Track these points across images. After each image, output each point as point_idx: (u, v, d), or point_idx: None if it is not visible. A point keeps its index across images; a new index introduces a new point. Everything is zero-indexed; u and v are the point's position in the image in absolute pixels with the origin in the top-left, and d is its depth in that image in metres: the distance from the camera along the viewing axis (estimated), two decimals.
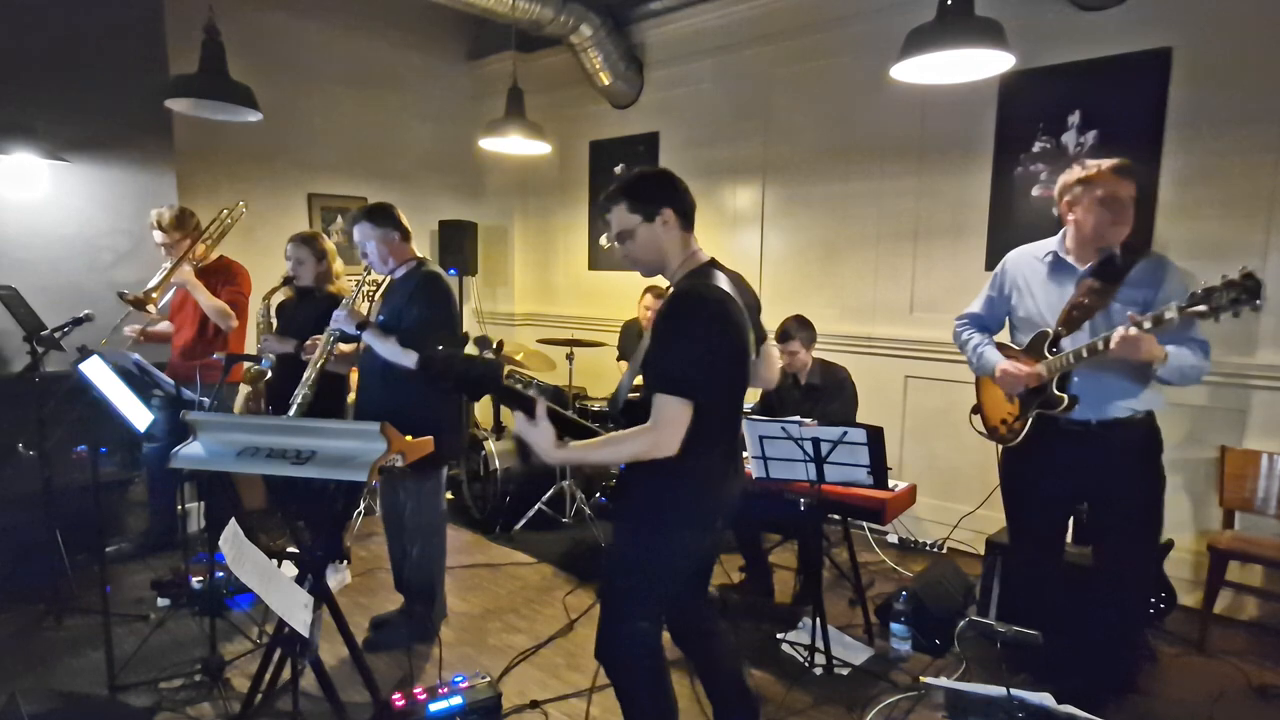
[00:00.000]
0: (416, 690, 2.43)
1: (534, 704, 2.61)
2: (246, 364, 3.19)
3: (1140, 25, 3.35)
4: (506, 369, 4.74)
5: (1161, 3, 3.30)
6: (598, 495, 4.65)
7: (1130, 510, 2.39)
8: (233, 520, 2.11)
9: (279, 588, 1.94)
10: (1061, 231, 2.46)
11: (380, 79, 5.50)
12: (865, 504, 2.99)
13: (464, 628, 3.17)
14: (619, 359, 4.94)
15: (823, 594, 2.94)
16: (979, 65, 2.53)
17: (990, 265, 3.80)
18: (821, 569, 3.17)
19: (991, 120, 3.83)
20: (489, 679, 2.55)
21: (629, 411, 1.82)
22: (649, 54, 5.22)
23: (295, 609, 1.90)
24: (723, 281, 1.81)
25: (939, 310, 4.00)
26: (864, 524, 4.06)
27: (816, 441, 2.73)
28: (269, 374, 3.13)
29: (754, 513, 3.07)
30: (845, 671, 2.81)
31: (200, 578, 3.13)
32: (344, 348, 2.99)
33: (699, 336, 1.71)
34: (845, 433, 2.69)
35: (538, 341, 5.00)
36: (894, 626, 2.99)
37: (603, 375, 5.14)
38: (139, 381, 3.09)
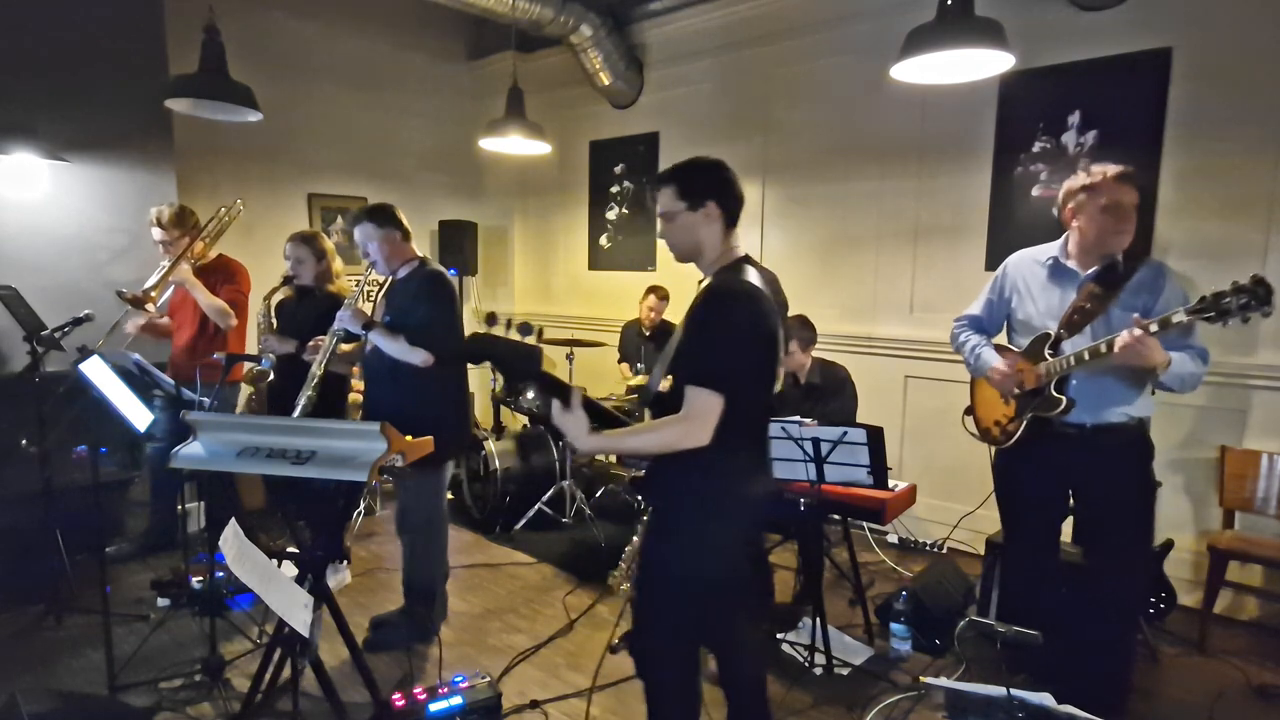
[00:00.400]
0: (416, 690, 2.43)
1: (534, 704, 2.61)
2: (248, 365, 3.19)
3: (1140, 25, 3.35)
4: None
5: (1161, 3, 3.31)
6: (600, 494, 4.65)
7: (1122, 514, 2.40)
8: (233, 520, 2.11)
9: (279, 588, 1.94)
10: (1064, 236, 2.45)
11: (380, 79, 5.50)
12: (865, 504, 2.98)
13: (464, 628, 3.17)
14: (620, 361, 4.94)
15: (823, 594, 2.94)
16: (979, 65, 2.53)
17: (990, 265, 3.80)
18: (821, 569, 3.17)
19: (991, 120, 3.83)
20: (489, 679, 2.55)
21: (659, 404, 1.84)
22: (649, 54, 5.22)
23: (295, 609, 1.90)
24: (755, 278, 1.83)
25: (939, 310, 4.00)
26: (864, 524, 4.06)
27: (816, 441, 2.73)
28: (271, 375, 3.13)
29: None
30: (845, 671, 2.81)
31: (200, 578, 3.13)
32: (343, 347, 3.00)
33: (732, 331, 1.73)
34: (845, 433, 2.69)
35: (537, 341, 5.00)
36: (894, 626, 2.99)
37: (603, 375, 5.14)
38: (139, 381, 3.09)
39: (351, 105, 5.35)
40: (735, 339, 1.73)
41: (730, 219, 1.90)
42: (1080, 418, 2.34)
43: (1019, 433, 2.47)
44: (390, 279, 2.91)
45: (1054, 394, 2.34)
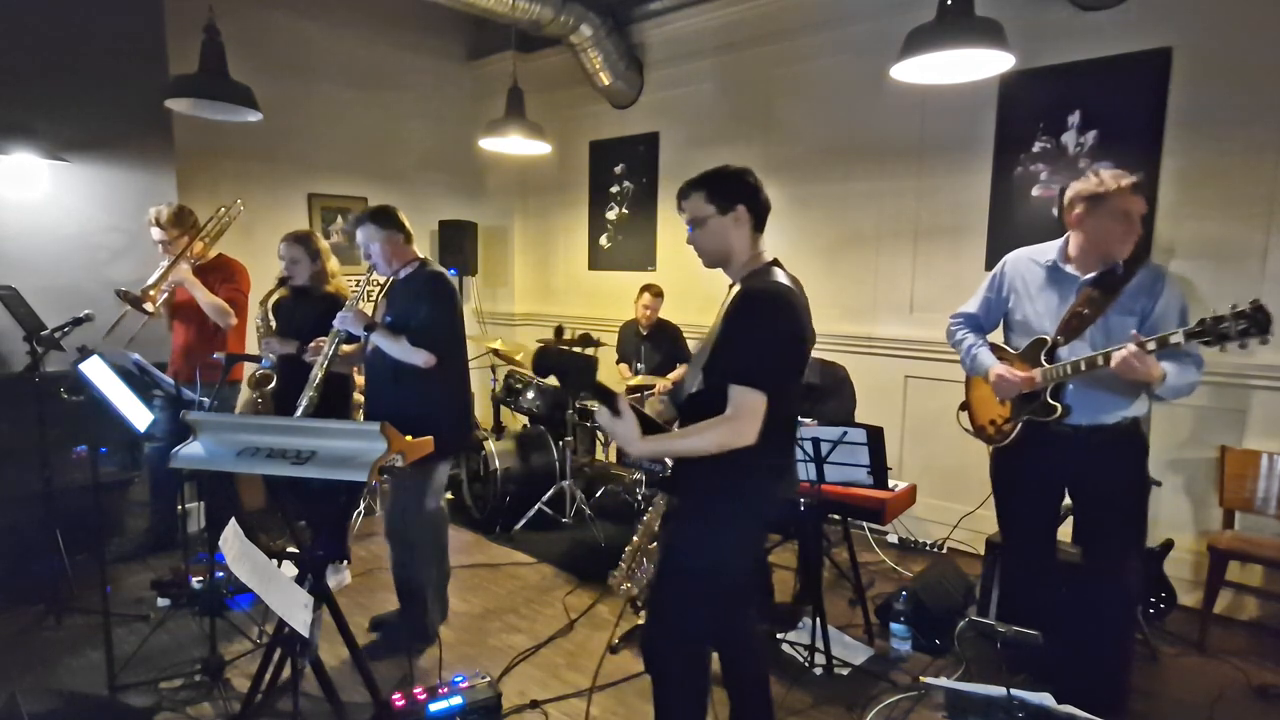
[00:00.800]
0: (416, 690, 2.43)
1: (534, 704, 2.61)
2: (254, 371, 3.17)
3: (1140, 25, 3.35)
4: (507, 369, 4.76)
5: (1161, 3, 3.30)
6: (600, 494, 4.65)
7: (1116, 512, 2.41)
8: (233, 520, 2.11)
9: (279, 588, 1.94)
10: (1064, 238, 2.45)
11: (380, 79, 5.50)
12: (865, 504, 2.99)
13: (464, 628, 3.17)
14: (618, 361, 4.94)
15: (823, 594, 2.94)
16: (979, 65, 2.53)
17: (990, 265, 3.79)
18: (821, 569, 3.17)
19: (991, 120, 3.83)
20: (489, 679, 2.55)
21: (693, 405, 1.87)
22: (649, 54, 5.22)
23: (295, 609, 1.90)
24: (786, 280, 1.88)
25: (939, 310, 3.99)
26: (864, 524, 4.06)
27: (816, 441, 2.73)
28: (274, 378, 3.12)
29: None
30: (845, 671, 2.81)
31: (200, 578, 3.13)
32: (345, 348, 2.99)
33: (771, 331, 1.79)
34: (845, 433, 2.69)
35: (537, 341, 5.00)
36: (894, 626, 2.99)
37: (602, 375, 5.13)
38: (139, 381, 3.09)
39: (351, 105, 5.35)
40: (775, 339, 1.79)
41: (758, 223, 1.94)
42: (1075, 419, 2.35)
43: (1014, 433, 2.48)
44: (391, 280, 2.91)
45: (1050, 401, 2.35)
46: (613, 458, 5.26)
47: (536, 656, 2.95)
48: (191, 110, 3.27)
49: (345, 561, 3.65)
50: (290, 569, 3.23)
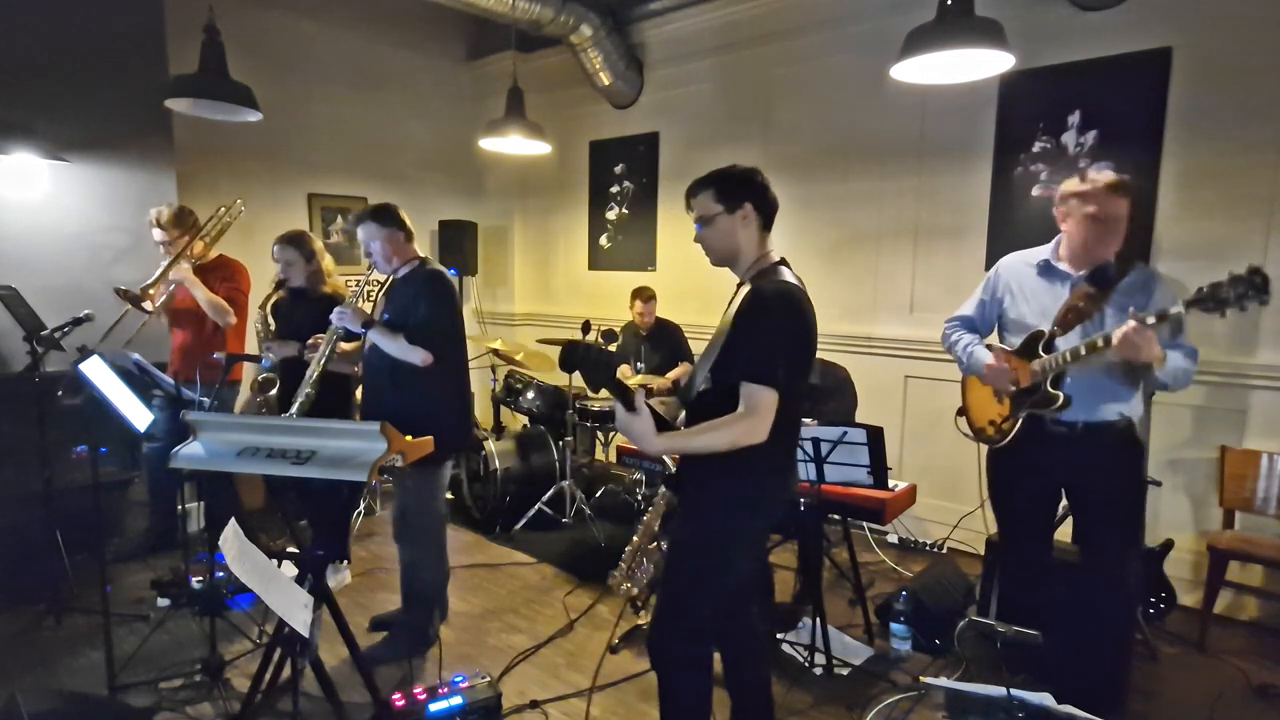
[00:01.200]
0: (416, 690, 2.43)
1: (534, 704, 2.61)
2: (257, 376, 3.17)
3: (1140, 25, 3.35)
4: (507, 369, 4.75)
5: (1161, 3, 3.30)
6: (600, 494, 4.65)
7: (1113, 512, 2.42)
8: (233, 520, 2.11)
9: (279, 588, 1.94)
10: (1058, 237, 2.47)
11: (380, 79, 5.50)
12: (865, 504, 2.99)
13: (464, 628, 3.17)
14: (618, 362, 4.94)
15: (823, 594, 2.94)
16: (979, 65, 2.53)
17: (990, 265, 3.80)
18: (821, 569, 3.17)
19: (991, 120, 3.83)
20: (489, 679, 2.55)
21: (701, 403, 1.89)
22: (649, 54, 5.22)
23: (295, 609, 1.90)
24: (793, 279, 1.90)
25: (939, 310, 3.98)
26: (864, 524, 4.06)
27: (816, 441, 2.73)
28: (276, 381, 3.12)
29: None
30: (845, 671, 2.81)
31: (200, 578, 3.13)
32: (345, 346, 2.99)
33: (782, 330, 1.82)
34: (845, 433, 2.69)
35: (538, 341, 5.00)
36: (894, 626, 2.99)
37: None
38: (139, 381, 3.09)
39: (351, 105, 5.35)
40: (785, 338, 1.82)
41: (766, 222, 1.95)
42: (1074, 416, 2.36)
43: (1014, 431, 2.48)
44: (391, 278, 2.91)
45: (1051, 390, 2.35)
46: (613, 458, 5.26)
47: (536, 656, 2.95)
48: (191, 110, 3.27)
49: (345, 561, 3.65)
50: (290, 569, 3.22)
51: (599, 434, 5.17)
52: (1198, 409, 3.34)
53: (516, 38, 4.68)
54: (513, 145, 4.29)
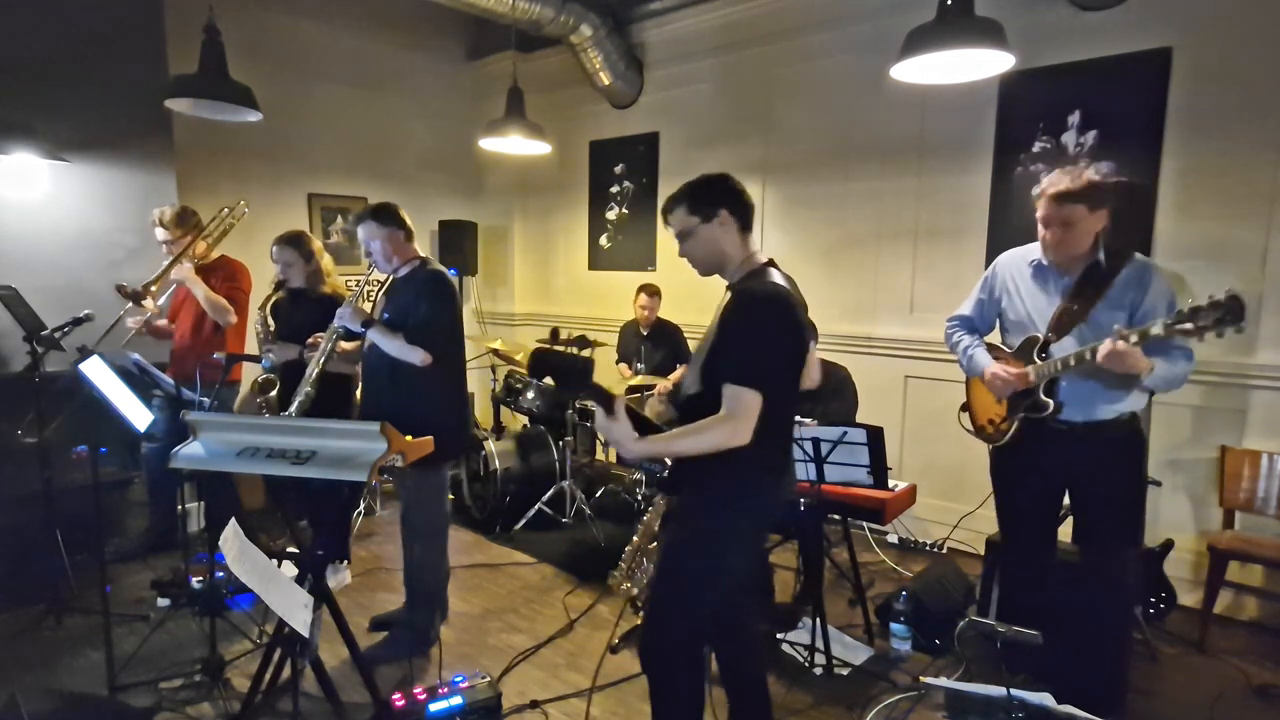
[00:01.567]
0: (416, 690, 2.43)
1: (534, 704, 2.61)
2: (258, 377, 3.17)
3: (1140, 25, 3.35)
4: (507, 369, 4.76)
5: (1161, 3, 3.30)
6: (600, 494, 4.65)
7: (1114, 510, 2.42)
8: (233, 520, 2.11)
9: (279, 588, 1.94)
10: None
11: (380, 79, 5.50)
12: (865, 504, 2.99)
13: (464, 628, 3.17)
14: (618, 361, 4.94)
15: (823, 594, 2.94)
16: (979, 65, 2.53)
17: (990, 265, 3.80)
18: (821, 569, 3.17)
19: (991, 120, 3.83)
20: (489, 679, 2.55)
21: (691, 405, 1.88)
22: (649, 54, 5.22)
23: (295, 609, 1.90)
24: (781, 281, 1.89)
25: (939, 310, 3.98)
26: (864, 524, 4.06)
27: (816, 441, 2.73)
28: (277, 382, 3.12)
29: None
30: (845, 671, 2.81)
31: (200, 578, 3.13)
32: (345, 345, 2.99)
33: (767, 332, 1.80)
34: (845, 433, 2.69)
35: (538, 341, 5.00)
36: (894, 626, 2.99)
37: (602, 375, 5.12)
38: (139, 381, 3.09)
39: (351, 105, 5.35)
40: (770, 340, 1.80)
41: (745, 224, 1.95)
42: (1070, 416, 2.37)
43: (1011, 432, 2.50)
44: (391, 277, 2.91)
45: (1043, 398, 2.37)
46: (613, 458, 5.27)
47: (536, 656, 2.95)
48: (191, 110, 3.27)
49: (345, 561, 3.65)
50: (290, 569, 3.23)
51: (599, 434, 5.17)
52: (1198, 409, 3.34)
53: (516, 38, 4.68)
54: (513, 145, 4.29)
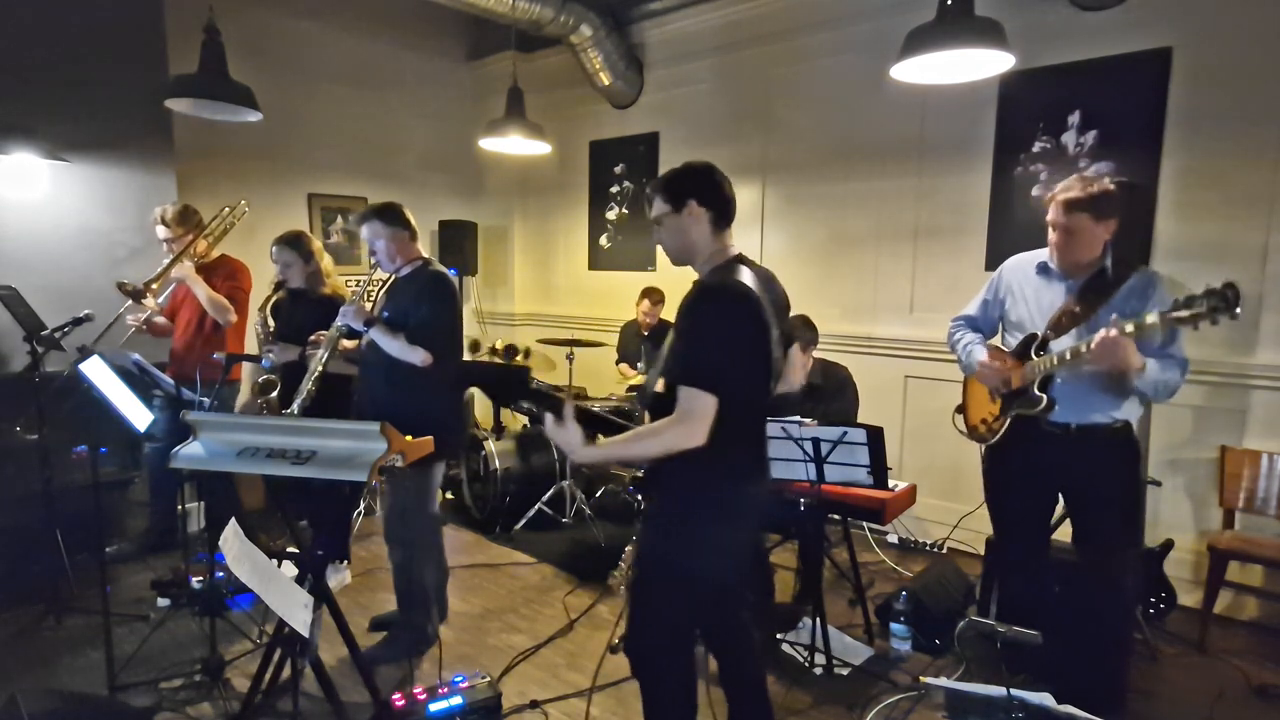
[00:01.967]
0: (416, 690, 2.43)
1: (534, 704, 2.61)
2: (258, 378, 3.17)
3: (1140, 25, 3.35)
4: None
5: (1161, 3, 3.30)
6: (600, 494, 4.65)
7: (1109, 514, 2.42)
8: (233, 520, 2.11)
9: (279, 588, 1.94)
10: None
11: (380, 79, 5.50)
12: (865, 504, 2.98)
13: (464, 628, 3.17)
14: (618, 361, 4.94)
15: (823, 594, 2.94)
16: (979, 65, 2.53)
17: (990, 265, 3.80)
18: (821, 569, 3.17)
19: (991, 120, 3.83)
20: (489, 679, 2.55)
21: (657, 405, 1.83)
22: (649, 54, 5.22)
23: (295, 609, 1.90)
24: (746, 276, 1.82)
25: (939, 310, 4.00)
26: (864, 524, 4.06)
27: (816, 441, 2.73)
28: (278, 383, 3.11)
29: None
30: (845, 671, 2.81)
31: (200, 578, 3.13)
32: (345, 343, 2.99)
33: (720, 329, 1.73)
34: (845, 433, 2.69)
35: (538, 341, 5.00)
36: (894, 626, 2.99)
37: (603, 375, 5.14)
38: (139, 381, 3.09)
39: (351, 105, 5.35)
40: (724, 337, 1.73)
41: (718, 218, 1.89)
42: (1064, 418, 2.37)
43: (1003, 430, 2.50)
44: (393, 276, 2.91)
45: (1036, 393, 2.37)
46: None
47: (536, 656, 2.95)
48: (191, 110, 3.27)
49: (345, 561, 3.65)
50: (290, 569, 3.23)
51: (599, 434, 5.16)
52: (1198, 409, 3.34)
53: (516, 38, 4.68)
54: (513, 145, 4.29)
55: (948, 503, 3.99)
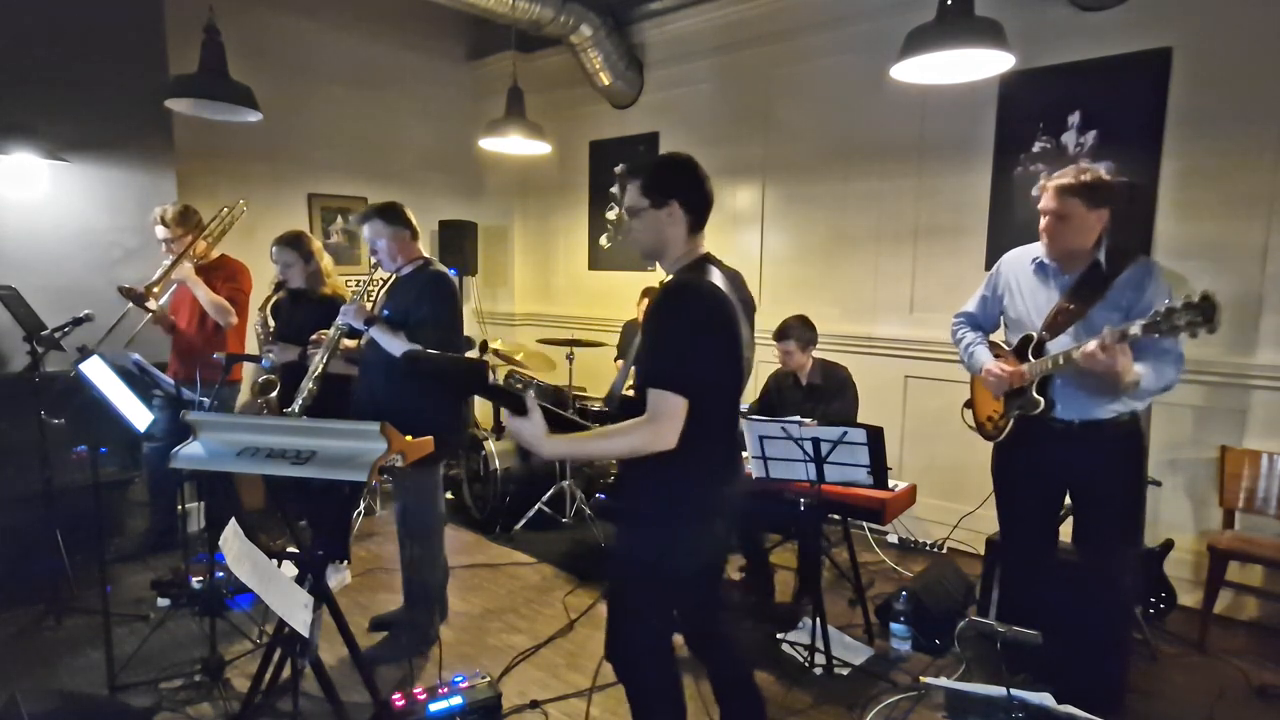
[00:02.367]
0: (416, 690, 2.43)
1: (534, 704, 2.61)
2: (258, 378, 3.17)
3: (1140, 25, 3.35)
4: (507, 369, 4.75)
5: (1161, 3, 3.30)
6: (598, 494, 4.65)
7: (1112, 509, 2.42)
8: (233, 520, 2.11)
9: (279, 588, 1.94)
10: None
11: (380, 79, 5.50)
12: (865, 504, 2.98)
13: (464, 628, 3.17)
14: (617, 359, 4.94)
15: (823, 594, 2.94)
16: (979, 65, 2.53)
17: (990, 266, 3.80)
18: (821, 569, 3.17)
19: (991, 120, 3.83)
20: (489, 679, 2.55)
21: (626, 407, 1.80)
22: (649, 54, 5.22)
23: (295, 609, 1.90)
24: (715, 277, 1.80)
25: (939, 310, 4.00)
26: (864, 524, 4.06)
27: (816, 441, 2.73)
28: (277, 383, 3.11)
29: (754, 513, 3.07)
30: (845, 671, 2.81)
31: (200, 578, 3.13)
32: (346, 342, 2.99)
33: (690, 331, 1.70)
34: (845, 433, 2.69)
35: (538, 341, 5.00)
36: (894, 626, 2.99)
37: (603, 375, 5.14)
38: (139, 381, 3.09)
39: (351, 105, 5.35)
40: (693, 339, 1.70)
41: (696, 219, 1.85)
42: (1067, 415, 2.37)
43: (1008, 429, 2.51)
44: (394, 276, 2.91)
45: (1034, 396, 2.38)
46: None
47: (536, 656, 2.95)
48: (191, 110, 3.27)
49: (345, 561, 3.65)
50: (290, 569, 3.22)
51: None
52: (1198, 409, 3.34)
53: (516, 38, 4.68)
54: (513, 145, 4.29)
55: (948, 503, 3.99)
